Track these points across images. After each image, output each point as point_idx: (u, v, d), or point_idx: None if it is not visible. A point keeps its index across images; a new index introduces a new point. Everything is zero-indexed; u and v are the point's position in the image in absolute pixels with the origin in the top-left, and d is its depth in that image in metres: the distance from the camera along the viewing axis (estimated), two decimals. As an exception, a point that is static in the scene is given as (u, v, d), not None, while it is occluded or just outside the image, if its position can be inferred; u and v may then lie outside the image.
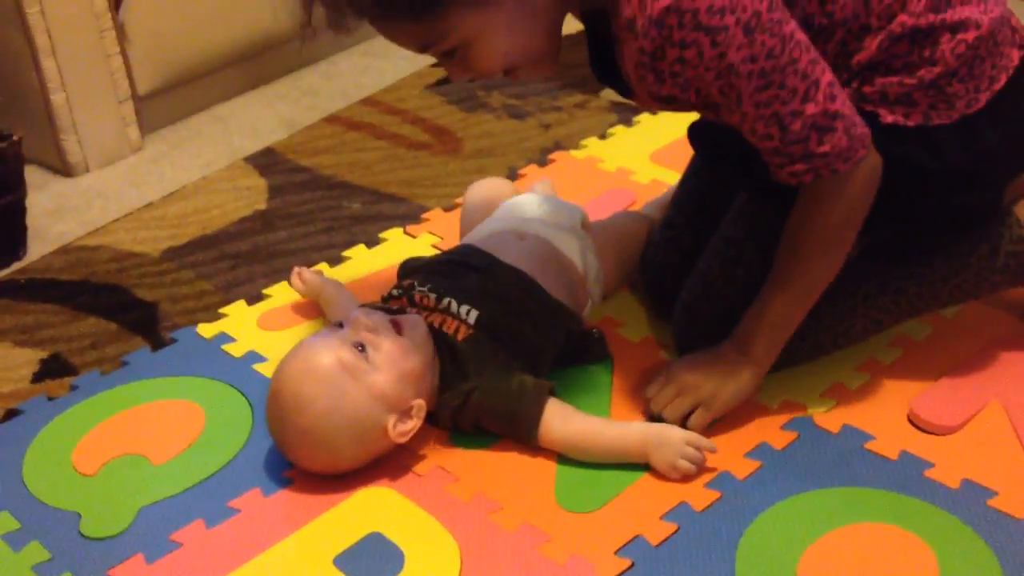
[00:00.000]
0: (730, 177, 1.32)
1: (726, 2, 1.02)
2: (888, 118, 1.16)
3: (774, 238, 1.21)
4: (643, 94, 1.12)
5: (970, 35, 1.14)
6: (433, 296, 1.25)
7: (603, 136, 1.92)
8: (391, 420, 1.15)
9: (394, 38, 1.10)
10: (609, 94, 2.06)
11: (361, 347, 1.15)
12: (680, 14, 1.01)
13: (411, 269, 1.34)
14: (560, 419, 1.19)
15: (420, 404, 1.18)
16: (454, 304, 1.24)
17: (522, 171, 1.82)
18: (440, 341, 1.21)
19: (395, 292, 1.29)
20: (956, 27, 1.14)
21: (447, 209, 1.72)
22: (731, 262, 1.26)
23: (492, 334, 1.23)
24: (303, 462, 1.18)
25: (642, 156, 1.83)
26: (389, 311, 1.23)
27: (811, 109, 1.07)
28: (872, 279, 1.27)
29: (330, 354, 1.14)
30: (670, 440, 1.15)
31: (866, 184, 1.13)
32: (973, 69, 1.16)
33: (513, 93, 2.11)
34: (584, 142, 1.90)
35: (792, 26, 1.06)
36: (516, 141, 1.94)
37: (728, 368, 1.22)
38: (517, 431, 1.20)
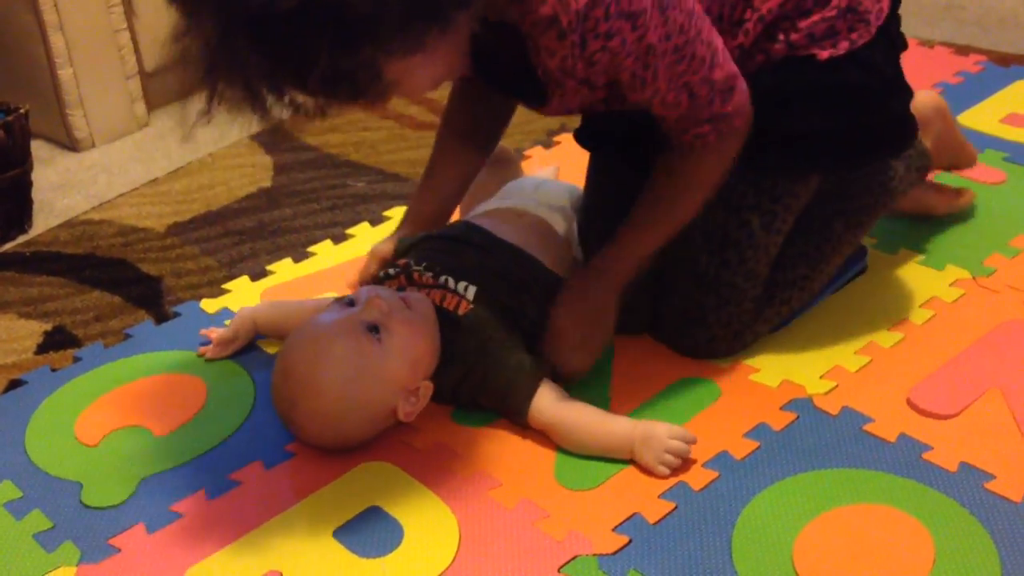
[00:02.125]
0: (639, 162, 1.30)
1: None
2: (823, 55, 1.22)
3: (752, 209, 1.25)
4: (558, 95, 1.13)
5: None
6: (430, 274, 1.26)
7: (609, 119, 1.92)
8: (401, 402, 1.16)
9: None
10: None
11: (375, 329, 1.15)
12: (604, 5, 1.03)
13: (407, 247, 1.34)
14: (551, 402, 1.19)
15: (427, 385, 1.18)
16: (451, 281, 1.25)
17: (528, 152, 1.82)
18: (441, 317, 1.22)
19: (391, 271, 1.29)
20: None
21: (452, 189, 1.72)
22: (720, 248, 1.27)
23: (491, 309, 1.23)
24: (309, 439, 1.18)
25: (647, 139, 1.83)
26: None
27: (717, 74, 1.13)
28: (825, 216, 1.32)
29: (346, 340, 1.14)
30: (655, 435, 1.15)
31: (745, 134, 1.19)
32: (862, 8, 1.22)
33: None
34: (590, 124, 1.90)
35: None
36: (522, 123, 1.93)
37: (598, 309, 1.24)
38: (508, 407, 1.20)
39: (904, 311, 1.36)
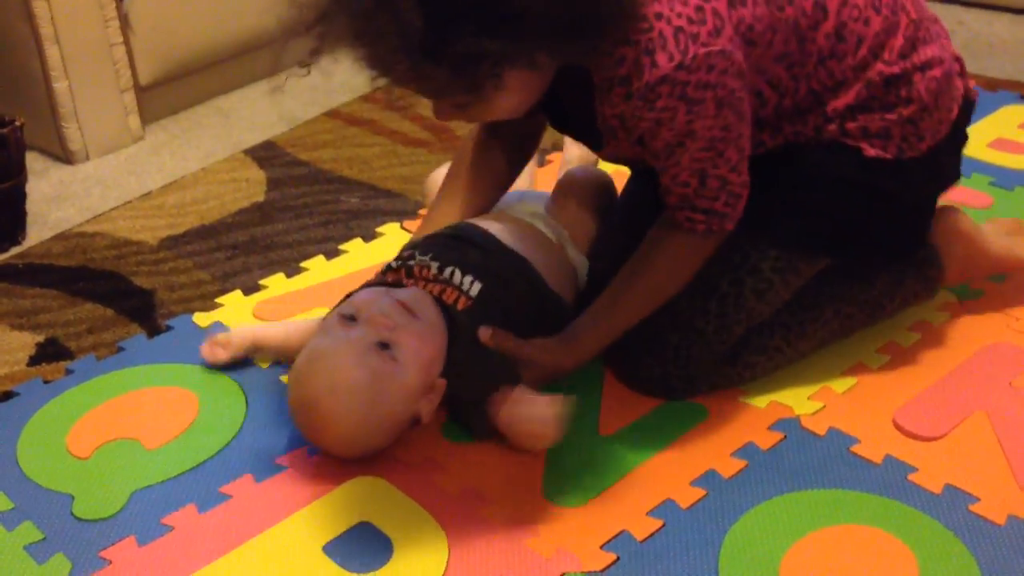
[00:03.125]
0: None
1: (712, 78, 1.08)
2: (870, 151, 1.24)
3: (752, 272, 1.25)
4: (612, 144, 1.18)
5: (937, 71, 1.24)
6: (435, 265, 1.25)
7: (601, 138, 1.94)
8: (423, 404, 1.18)
9: (423, 86, 1.07)
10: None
11: (385, 346, 1.15)
12: (672, 84, 1.07)
13: (411, 244, 1.34)
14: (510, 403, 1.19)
15: (441, 382, 1.20)
16: (458, 274, 1.24)
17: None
18: (439, 310, 1.22)
19: (393, 264, 1.29)
20: (925, 66, 1.24)
21: (444, 206, 1.73)
22: (704, 296, 1.26)
23: (489, 311, 1.23)
24: (339, 456, 1.20)
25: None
26: (385, 284, 1.24)
27: (734, 179, 1.18)
28: (827, 300, 1.32)
29: (361, 365, 1.14)
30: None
31: (722, 240, 1.23)
32: (939, 102, 1.24)
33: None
34: (582, 144, 1.92)
35: (746, 102, 1.14)
36: (514, 141, 1.95)
37: (556, 372, 1.26)
38: (468, 403, 1.21)
39: (891, 333, 1.37)
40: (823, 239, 1.27)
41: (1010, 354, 1.34)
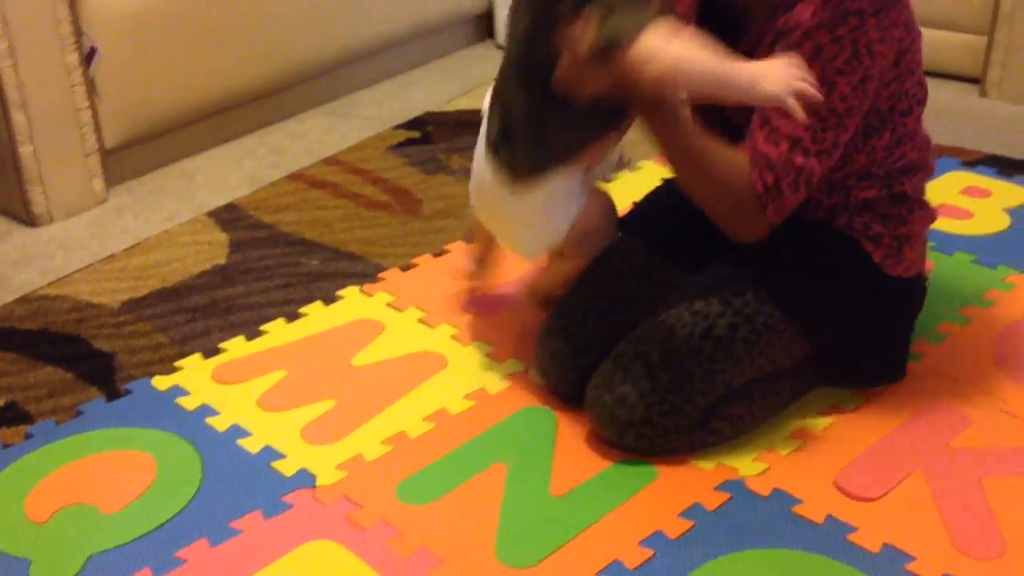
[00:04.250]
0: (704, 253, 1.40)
1: (879, 46, 1.20)
2: (878, 255, 1.35)
3: (748, 319, 1.30)
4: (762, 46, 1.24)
5: (932, 215, 1.40)
6: None
7: (558, 202, 1.98)
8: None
9: None
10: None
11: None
12: (857, 15, 1.19)
13: None
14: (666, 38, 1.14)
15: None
16: None
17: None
18: None
19: None
20: (925, 206, 1.38)
21: (404, 269, 1.77)
22: (701, 335, 1.29)
23: None
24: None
25: (595, 222, 1.89)
26: None
27: (814, 165, 1.23)
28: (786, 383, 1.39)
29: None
30: (777, 65, 1.12)
31: (759, 230, 1.28)
32: (921, 241, 1.40)
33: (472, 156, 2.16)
34: (539, 207, 1.96)
35: (866, 104, 1.24)
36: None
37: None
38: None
39: (835, 397, 1.42)
40: (812, 318, 1.33)
41: (947, 416, 1.38)
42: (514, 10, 1.28)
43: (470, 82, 2.57)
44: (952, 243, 1.76)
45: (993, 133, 2.16)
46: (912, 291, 1.41)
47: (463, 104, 2.43)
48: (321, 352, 1.56)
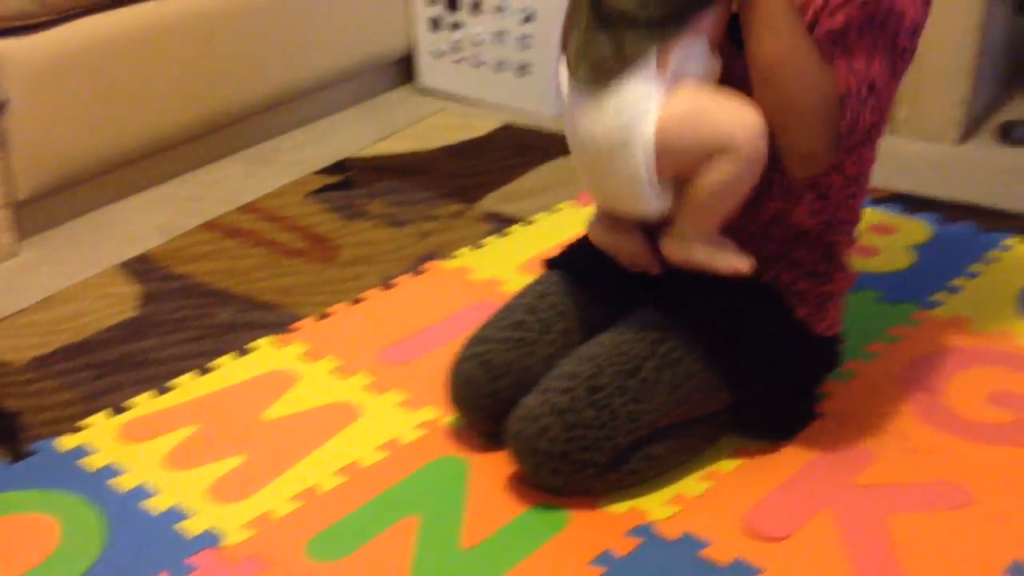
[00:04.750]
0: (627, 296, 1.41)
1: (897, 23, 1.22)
2: (801, 311, 1.38)
3: (673, 364, 1.31)
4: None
5: (851, 277, 1.44)
6: None
7: (476, 246, 1.99)
8: None
9: None
10: (485, 205, 2.14)
11: None
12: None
13: None
14: None
15: None
16: None
17: (395, 280, 1.87)
18: None
19: None
20: (849, 268, 1.43)
21: (320, 318, 1.76)
22: (628, 374, 1.30)
23: None
24: None
25: (512, 266, 1.90)
26: None
27: (865, 119, 1.23)
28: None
29: None
30: None
31: (830, 152, 1.24)
32: (842, 301, 1.44)
33: (393, 201, 2.17)
34: (457, 252, 1.97)
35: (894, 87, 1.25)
36: (392, 250, 1.99)
37: None
38: None
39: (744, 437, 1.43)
40: (737, 369, 1.35)
41: (853, 453, 1.40)
42: None
43: (391, 126, 2.58)
44: (859, 280, 1.79)
45: (900, 170, 2.21)
46: (831, 349, 1.45)
47: (384, 148, 2.44)
48: (232, 406, 1.54)
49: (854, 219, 1.42)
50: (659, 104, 1.21)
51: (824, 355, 1.44)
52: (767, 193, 1.32)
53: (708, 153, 1.22)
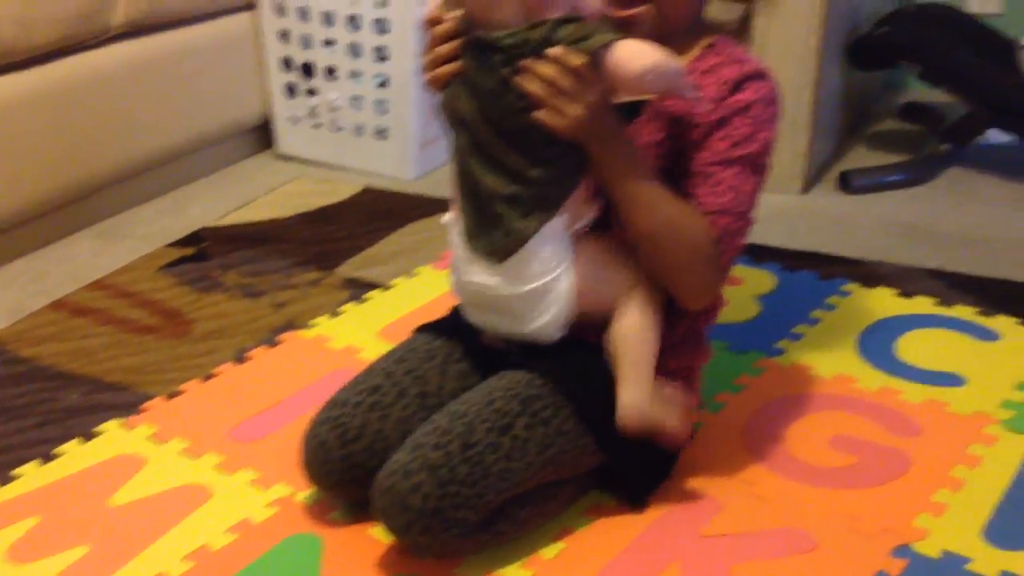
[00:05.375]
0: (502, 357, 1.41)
1: (769, 122, 1.35)
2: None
3: (544, 422, 1.32)
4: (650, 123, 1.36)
5: (709, 352, 1.50)
6: None
7: (334, 314, 1.98)
8: None
9: None
10: (344, 271, 2.14)
11: None
12: (758, 103, 1.34)
13: None
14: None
15: None
16: None
17: (250, 354, 1.85)
18: None
19: None
20: (708, 344, 1.50)
21: (170, 397, 1.72)
22: (500, 431, 1.30)
23: None
24: None
25: (371, 333, 1.89)
26: None
27: (740, 226, 1.35)
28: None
29: None
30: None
31: (714, 279, 1.37)
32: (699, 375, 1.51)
33: (248, 272, 2.15)
34: (315, 320, 1.95)
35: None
36: (247, 321, 1.97)
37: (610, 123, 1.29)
38: None
39: (595, 494, 1.45)
40: (608, 433, 1.35)
41: (701, 504, 1.43)
42: (454, 96, 1.30)
43: (249, 194, 2.56)
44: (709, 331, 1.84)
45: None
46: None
47: (240, 217, 2.42)
48: (77, 494, 1.49)
49: (720, 304, 1.48)
50: (568, 264, 1.31)
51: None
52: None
53: (614, 307, 1.35)
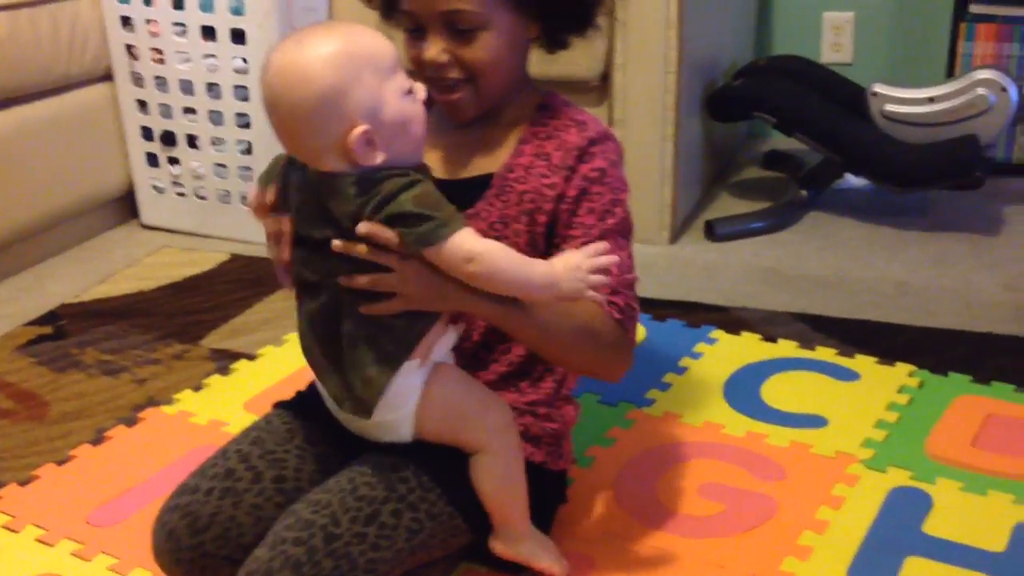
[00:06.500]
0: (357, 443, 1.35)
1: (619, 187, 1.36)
2: (537, 457, 1.41)
3: (412, 507, 1.27)
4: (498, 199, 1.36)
5: (578, 409, 1.50)
6: None
7: (198, 388, 1.92)
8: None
9: None
10: (209, 342, 2.09)
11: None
12: (608, 175, 1.34)
13: None
14: (475, 236, 1.19)
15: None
16: None
17: (109, 433, 1.78)
18: None
19: None
20: (573, 399, 1.50)
21: (23, 483, 1.64)
22: (365, 520, 1.24)
23: None
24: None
25: (236, 405, 1.85)
26: None
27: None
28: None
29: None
30: (576, 262, 1.20)
31: (620, 358, 1.35)
32: (569, 437, 1.48)
33: (108, 348, 2.08)
34: (178, 395, 1.89)
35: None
36: (107, 400, 1.90)
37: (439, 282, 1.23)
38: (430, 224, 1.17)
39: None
40: (478, 510, 1.32)
41: (574, 562, 1.41)
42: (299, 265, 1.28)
43: (112, 267, 2.49)
44: (580, 385, 1.85)
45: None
46: (563, 480, 1.48)
47: (102, 292, 2.35)
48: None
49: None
50: (419, 396, 1.27)
51: (558, 487, 1.47)
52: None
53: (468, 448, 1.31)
